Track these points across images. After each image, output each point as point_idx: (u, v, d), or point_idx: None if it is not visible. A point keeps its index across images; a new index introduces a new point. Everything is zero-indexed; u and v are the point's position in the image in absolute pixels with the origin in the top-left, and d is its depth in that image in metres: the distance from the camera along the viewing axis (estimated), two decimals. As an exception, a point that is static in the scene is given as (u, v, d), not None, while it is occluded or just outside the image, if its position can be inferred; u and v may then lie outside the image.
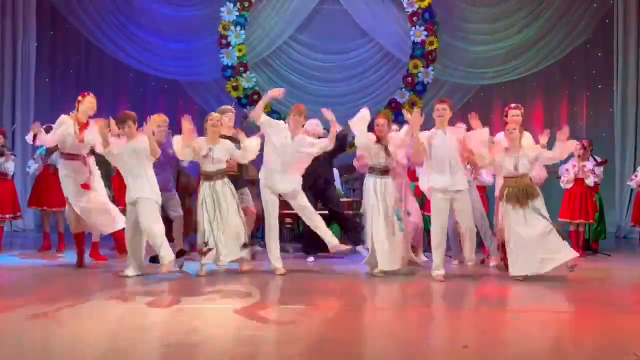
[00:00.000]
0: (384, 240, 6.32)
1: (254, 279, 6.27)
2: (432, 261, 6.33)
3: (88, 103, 6.70)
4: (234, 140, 6.73)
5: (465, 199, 6.39)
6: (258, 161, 7.15)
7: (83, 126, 6.66)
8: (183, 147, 6.41)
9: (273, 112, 11.19)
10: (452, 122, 6.71)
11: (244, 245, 6.42)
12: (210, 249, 6.30)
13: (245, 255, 6.50)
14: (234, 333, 4.20)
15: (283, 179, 6.53)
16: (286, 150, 6.50)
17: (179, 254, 6.73)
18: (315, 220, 6.68)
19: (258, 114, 6.57)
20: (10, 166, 8.25)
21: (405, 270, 6.48)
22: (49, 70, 11.56)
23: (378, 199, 6.41)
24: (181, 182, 7.70)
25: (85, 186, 6.60)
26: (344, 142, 7.57)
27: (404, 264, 6.54)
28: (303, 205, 6.65)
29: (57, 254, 7.93)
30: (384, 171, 6.50)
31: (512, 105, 6.96)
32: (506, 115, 6.79)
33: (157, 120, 6.76)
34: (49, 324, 4.35)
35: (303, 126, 6.77)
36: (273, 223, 6.57)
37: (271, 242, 6.56)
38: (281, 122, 6.82)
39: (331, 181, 8.05)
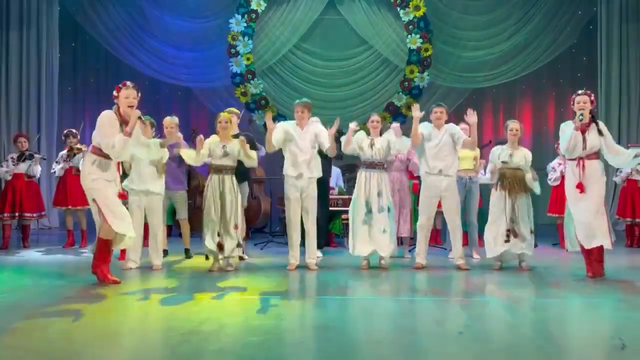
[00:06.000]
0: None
1: (263, 272, 6.29)
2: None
3: None
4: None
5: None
6: (266, 162, 7.14)
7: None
8: (195, 155, 6.28)
9: (279, 117, 11.25)
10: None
11: (238, 245, 6.26)
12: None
13: (238, 253, 6.36)
14: (245, 322, 4.22)
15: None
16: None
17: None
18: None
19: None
20: (37, 169, 8.28)
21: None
22: (71, 79, 11.63)
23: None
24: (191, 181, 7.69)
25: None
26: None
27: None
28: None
29: (80, 249, 7.99)
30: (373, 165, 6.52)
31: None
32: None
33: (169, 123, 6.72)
34: (71, 316, 4.36)
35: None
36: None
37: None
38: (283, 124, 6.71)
39: (327, 184, 7.92)
